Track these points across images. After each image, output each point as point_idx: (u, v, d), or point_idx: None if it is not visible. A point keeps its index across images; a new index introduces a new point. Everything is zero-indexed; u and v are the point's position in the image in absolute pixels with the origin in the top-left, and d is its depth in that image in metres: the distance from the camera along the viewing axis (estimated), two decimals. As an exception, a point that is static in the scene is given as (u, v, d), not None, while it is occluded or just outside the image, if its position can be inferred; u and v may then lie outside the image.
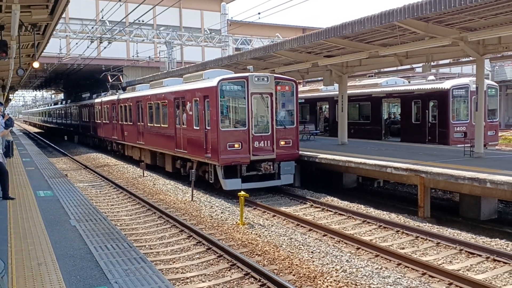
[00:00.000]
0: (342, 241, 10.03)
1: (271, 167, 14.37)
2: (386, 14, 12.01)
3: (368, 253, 9.24)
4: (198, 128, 15.22)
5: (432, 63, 16.89)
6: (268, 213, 12.73)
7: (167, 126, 17.96)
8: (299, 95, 16.42)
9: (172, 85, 18.68)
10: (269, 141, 14.49)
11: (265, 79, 14.45)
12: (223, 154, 13.92)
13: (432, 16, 11.73)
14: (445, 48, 14.79)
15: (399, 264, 8.54)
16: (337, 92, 20.57)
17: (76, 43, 30.11)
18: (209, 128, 14.47)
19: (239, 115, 14.46)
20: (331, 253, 8.91)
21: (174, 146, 17.19)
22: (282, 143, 14.72)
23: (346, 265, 8.28)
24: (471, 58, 15.96)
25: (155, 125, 19.43)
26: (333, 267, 8.20)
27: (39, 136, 50.63)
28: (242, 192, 11.40)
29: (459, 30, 12.90)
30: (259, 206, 13.29)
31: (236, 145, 14.05)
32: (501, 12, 11.23)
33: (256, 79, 14.28)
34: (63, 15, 13.54)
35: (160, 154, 19.47)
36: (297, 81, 17.08)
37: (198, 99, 15.18)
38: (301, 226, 11.34)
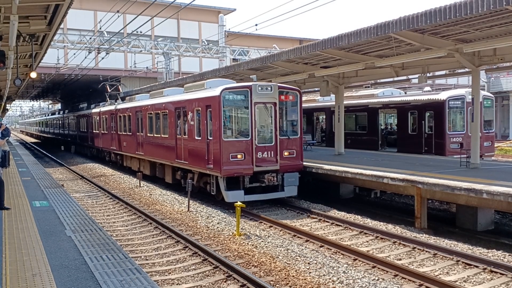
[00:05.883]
0: (339, 252, 10.00)
1: (275, 178, 14.06)
2: (382, 26, 12.11)
3: (365, 264, 9.21)
4: (199, 138, 14.95)
5: (428, 74, 17.01)
6: (264, 223, 12.68)
7: (167, 136, 17.74)
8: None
9: (172, 95, 18.47)
10: (272, 152, 14.17)
11: (269, 88, 14.18)
12: (225, 165, 13.62)
13: (427, 28, 11.84)
14: (440, 59, 14.89)
15: (396, 275, 8.51)
16: (334, 103, 20.65)
17: (74, 54, 30.21)
18: (211, 138, 14.21)
19: (242, 125, 14.21)
20: (328, 264, 8.88)
21: (174, 157, 16.93)
22: (286, 153, 14.44)
23: (343, 276, 8.25)
24: (466, 70, 16.09)
25: (155, 135, 19.23)
26: (330, 279, 8.17)
27: (36, 146, 50.55)
28: (239, 203, 11.34)
29: (455, 42, 13.02)
30: (256, 217, 13.23)
31: (239, 156, 13.73)
32: (496, 24, 11.35)
33: (259, 88, 14.02)
34: (61, 26, 13.61)
35: (160, 165, 19.25)
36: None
37: (200, 108, 14.95)
38: (298, 237, 11.29)
